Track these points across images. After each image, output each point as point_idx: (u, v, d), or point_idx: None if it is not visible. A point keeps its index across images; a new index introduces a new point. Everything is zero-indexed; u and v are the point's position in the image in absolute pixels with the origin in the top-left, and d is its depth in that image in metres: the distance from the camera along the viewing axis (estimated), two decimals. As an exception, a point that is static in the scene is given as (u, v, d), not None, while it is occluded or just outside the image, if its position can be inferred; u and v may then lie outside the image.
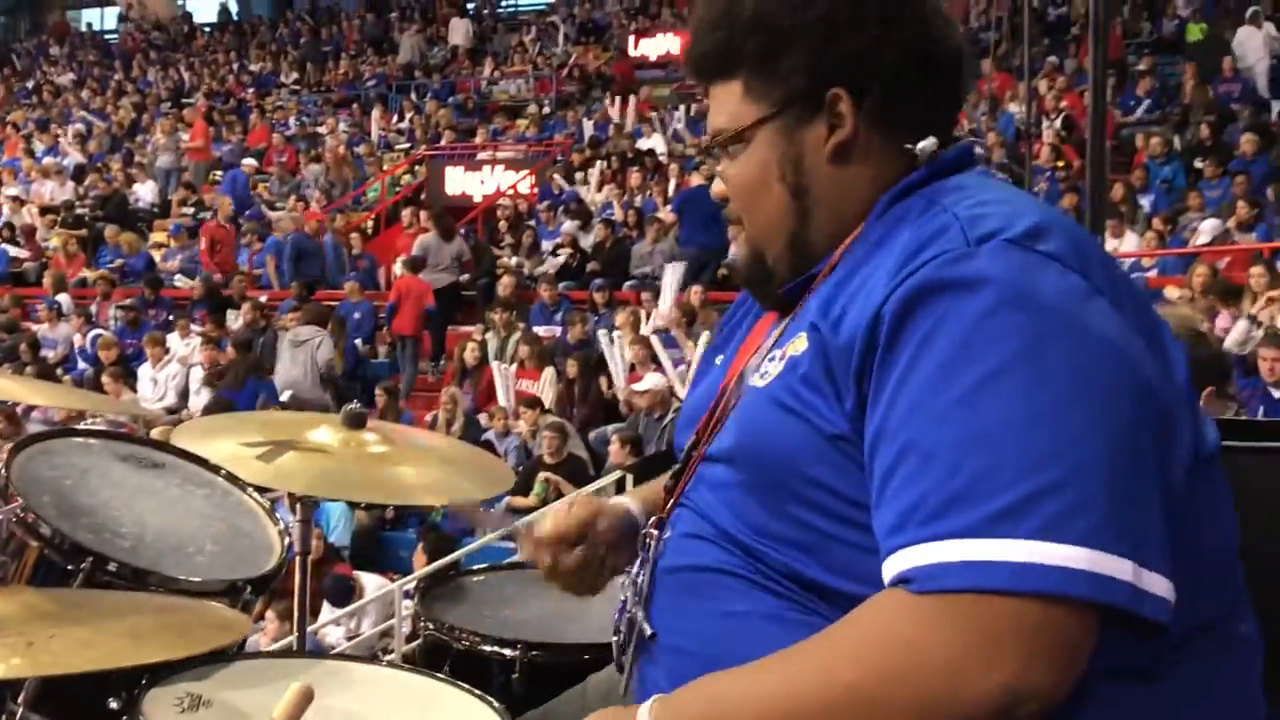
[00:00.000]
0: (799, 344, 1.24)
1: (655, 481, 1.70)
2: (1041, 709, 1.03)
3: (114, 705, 1.69)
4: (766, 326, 1.44)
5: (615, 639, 1.45)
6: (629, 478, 7.86)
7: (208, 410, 9.58)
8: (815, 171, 1.32)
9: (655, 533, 1.40)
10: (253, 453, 2.06)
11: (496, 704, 1.71)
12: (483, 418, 9.62)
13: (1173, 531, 1.09)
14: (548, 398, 9.74)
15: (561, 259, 12.74)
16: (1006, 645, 1.02)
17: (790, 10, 1.30)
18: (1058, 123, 12.54)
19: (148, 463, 2.05)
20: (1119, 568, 1.03)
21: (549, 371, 10.05)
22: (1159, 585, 1.06)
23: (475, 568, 2.42)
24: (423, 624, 2.04)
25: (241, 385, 10.35)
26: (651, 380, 9.04)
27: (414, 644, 4.47)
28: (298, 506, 2.18)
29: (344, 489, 2.21)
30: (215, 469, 2.05)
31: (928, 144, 1.30)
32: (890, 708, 1.05)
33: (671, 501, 1.40)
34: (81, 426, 5.54)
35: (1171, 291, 9.21)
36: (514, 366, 10.18)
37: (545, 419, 8.95)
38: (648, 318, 10.87)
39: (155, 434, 8.78)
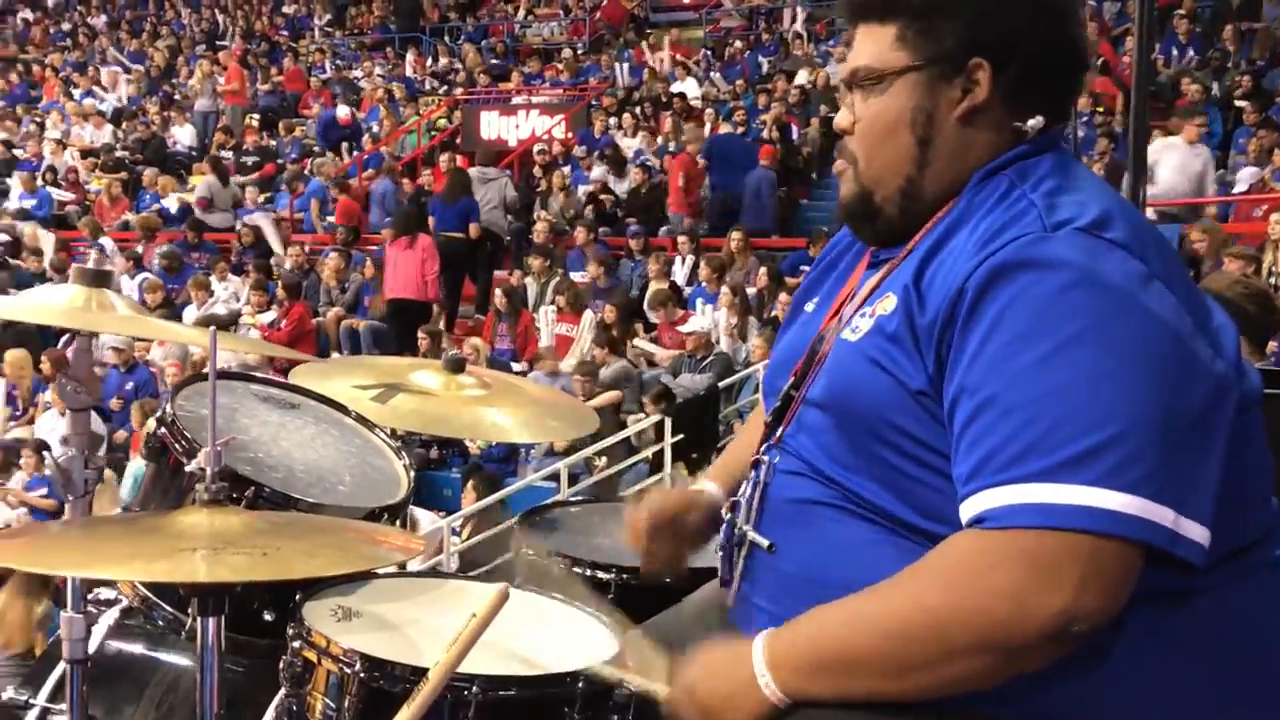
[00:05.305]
0: (888, 303, 1.40)
1: (732, 455, 1.86)
2: (1093, 629, 1.22)
3: (268, 617, 1.90)
4: (859, 275, 1.57)
5: (720, 554, 1.61)
6: (668, 421, 8.10)
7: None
8: (942, 127, 1.46)
9: (765, 459, 1.54)
10: (366, 395, 2.27)
11: (606, 619, 1.91)
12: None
13: (1220, 476, 1.26)
14: (585, 342, 9.93)
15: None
16: (1064, 574, 1.21)
17: None
18: (1095, 66, 12.49)
19: (285, 403, 2.25)
20: (1161, 514, 1.21)
21: (588, 315, 10.23)
22: (1195, 531, 1.23)
23: (571, 499, 2.61)
24: (523, 550, 2.24)
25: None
26: (695, 323, 9.23)
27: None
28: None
29: (446, 428, 2.40)
30: (344, 409, 2.24)
31: (1034, 122, 1.44)
32: (966, 628, 1.24)
33: (774, 439, 1.55)
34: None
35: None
36: (553, 310, 10.36)
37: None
38: (682, 262, 11.01)
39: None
